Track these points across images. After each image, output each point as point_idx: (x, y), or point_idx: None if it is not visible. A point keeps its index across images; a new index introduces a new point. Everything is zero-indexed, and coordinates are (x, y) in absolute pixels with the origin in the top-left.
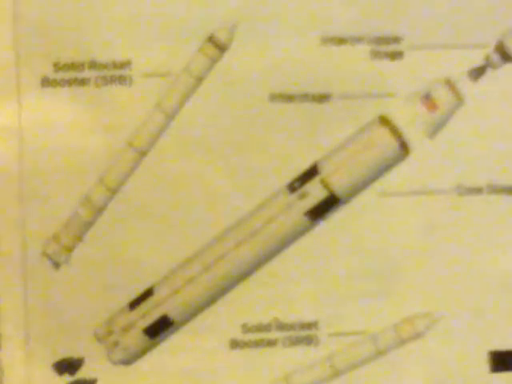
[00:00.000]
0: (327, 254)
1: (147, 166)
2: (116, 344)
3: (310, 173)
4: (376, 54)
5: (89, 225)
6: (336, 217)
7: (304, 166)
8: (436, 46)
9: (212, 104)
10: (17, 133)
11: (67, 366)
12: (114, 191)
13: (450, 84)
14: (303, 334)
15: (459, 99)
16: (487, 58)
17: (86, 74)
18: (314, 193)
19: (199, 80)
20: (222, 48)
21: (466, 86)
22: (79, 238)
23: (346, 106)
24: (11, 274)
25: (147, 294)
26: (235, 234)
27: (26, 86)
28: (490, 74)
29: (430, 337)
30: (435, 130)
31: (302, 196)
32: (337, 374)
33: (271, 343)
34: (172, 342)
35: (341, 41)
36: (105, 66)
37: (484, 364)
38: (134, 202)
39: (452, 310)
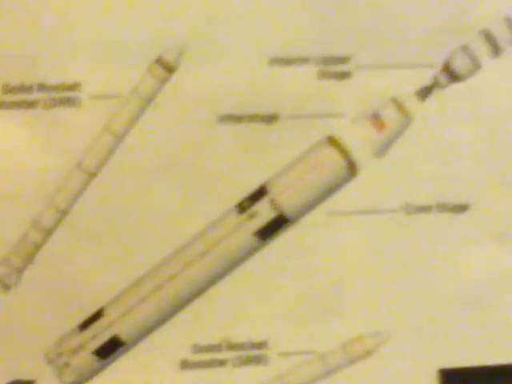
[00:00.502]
0: (277, 273)
1: (96, 188)
2: (67, 366)
3: (259, 193)
4: (324, 75)
5: (39, 246)
6: (285, 236)
7: (253, 186)
8: (383, 65)
9: (161, 125)
10: None
11: None
12: (63, 213)
13: (397, 104)
14: (253, 353)
15: (407, 119)
16: (434, 78)
17: (36, 96)
18: (263, 213)
19: (148, 101)
20: (170, 69)
21: (414, 106)
22: (29, 259)
23: (295, 127)
24: None
25: (97, 315)
26: (185, 255)
27: None
28: (437, 93)
29: (378, 355)
30: (383, 149)
31: (251, 216)
32: None
33: (221, 363)
34: (122, 363)
35: (288, 61)
36: (54, 88)
37: (433, 382)
38: (84, 223)
39: (401, 328)
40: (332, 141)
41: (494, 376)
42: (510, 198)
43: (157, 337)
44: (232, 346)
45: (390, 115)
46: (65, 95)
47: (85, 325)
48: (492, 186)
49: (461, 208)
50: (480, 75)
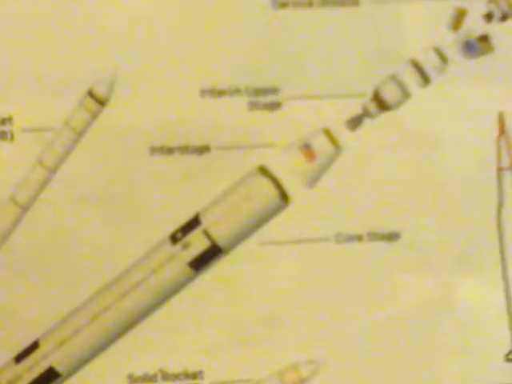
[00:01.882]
0: (210, 303)
1: (30, 221)
2: None
3: (192, 224)
4: (254, 106)
5: None
6: (219, 266)
7: (186, 217)
8: (313, 96)
9: (93, 158)
10: None
11: None
12: None
13: (328, 133)
14: (188, 383)
15: (337, 148)
16: (364, 108)
17: None
18: (197, 243)
19: (80, 134)
20: (101, 102)
21: (344, 136)
22: None
23: (226, 158)
24: None
25: (33, 346)
26: (119, 286)
27: None
28: (367, 123)
29: (313, 383)
30: (314, 179)
31: (185, 247)
32: None
33: None
34: None
35: (219, 93)
36: None
37: None
38: (18, 255)
39: (335, 356)
40: (263, 171)
41: None
42: (439, 226)
43: (92, 367)
44: (167, 376)
45: (321, 145)
46: None
47: (20, 357)
48: (422, 214)
49: (392, 236)
50: (410, 104)
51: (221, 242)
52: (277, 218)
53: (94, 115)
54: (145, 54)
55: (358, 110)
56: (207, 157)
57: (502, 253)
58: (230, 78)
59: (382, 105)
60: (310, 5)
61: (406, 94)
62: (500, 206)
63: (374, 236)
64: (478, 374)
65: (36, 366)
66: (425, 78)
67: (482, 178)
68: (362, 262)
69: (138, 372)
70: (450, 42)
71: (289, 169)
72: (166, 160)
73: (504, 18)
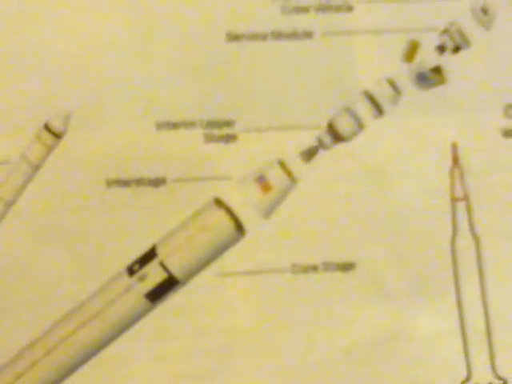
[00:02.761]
0: (166, 334)
1: None
2: None
3: (149, 255)
4: (210, 138)
5: None
6: (175, 297)
7: (142, 249)
8: (269, 128)
9: (50, 190)
10: None
11: None
12: None
13: (283, 165)
14: None
15: (292, 180)
16: (319, 139)
17: None
18: (153, 275)
19: (37, 167)
20: (57, 135)
21: (299, 167)
22: None
23: (182, 189)
24: None
25: None
26: (76, 318)
27: None
28: (322, 154)
29: None
30: (270, 210)
31: (141, 278)
32: None
33: None
34: None
35: (175, 125)
36: None
37: None
38: None
39: None
40: (219, 203)
41: None
42: (393, 256)
43: None
44: None
45: (276, 177)
46: None
47: None
48: (377, 245)
49: (347, 266)
50: (364, 135)
51: (177, 273)
52: (233, 249)
53: (51, 148)
54: (101, 87)
55: (312, 142)
56: (163, 189)
57: (457, 283)
58: (186, 111)
59: (337, 136)
60: (264, 37)
61: (360, 126)
62: (454, 235)
63: (330, 266)
64: None
65: None
66: (378, 110)
67: (436, 208)
68: (317, 292)
69: None
70: (403, 74)
71: (244, 200)
72: (122, 192)
73: (456, 49)
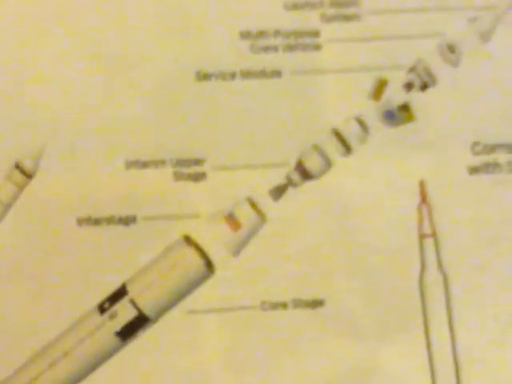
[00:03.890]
0: (137, 371)
1: None
2: None
3: (119, 293)
4: (179, 176)
5: None
6: (146, 335)
7: (113, 287)
8: (238, 166)
9: (21, 230)
10: None
11: None
12: None
13: (252, 203)
14: None
15: (261, 217)
16: (288, 177)
17: None
18: (124, 313)
19: (7, 207)
20: (28, 175)
21: (268, 205)
22: None
23: (152, 227)
24: None
25: None
26: (48, 356)
27: None
28: (291, 192)
29: None
30: (239, 248)
31: (112, 316)
32: None
33: None
34: None
35: (144, 164)
36: None
37: None
38: None
39: None
40: (189, 240)
41: None
42: (362, 293)
43: None
44: None
45: (245, 214)
46: None
47: None
48: (345, 281)
49: (316, 303)
50: (332, 173)
51: (147, 311)
52: (203, 286)
53: (22, 188)
54: (71, 127)
55: (281, 180)
56: (133, 227)
57: (426, 319)
58: (155, 150)
59: (305, 174)
60: (233, 76)
61: (328, 163)
62: (422, 272)
63: (299, 303)
64: None
65: None
66: (347, 147)
67: (405, 245)
68: (287, 329)
69: None
70: (371, 112)
71: (214, 238)
72: (93, 231)
73: (424, 87)
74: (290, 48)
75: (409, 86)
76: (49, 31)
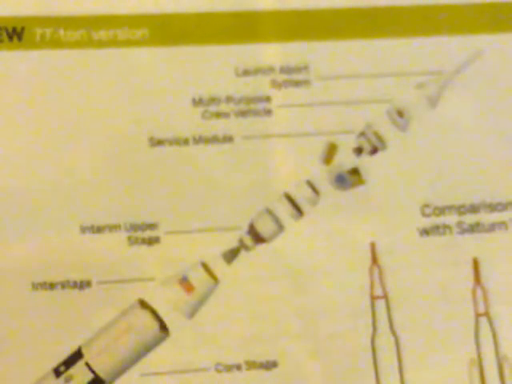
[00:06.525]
0: None
1: None
2: None
3: (75, 357)
4: (133, 241)
5: None
6: None
7: (68, 351)
8: (191, 230)
9: None
10: None
11: None
12: None
13: (205, 266)
14: None
15: (215, 280)
16: (240, 240)
17: None
18: (79, 376)
19: None
20: None
21: (221, 268)
22: None
23: (107, 292)
24: None
25: None
26: None
27: None
28: (243, 255)
29: None
30: (193, 310)
31: (68, 380)
32: None
33: None
34: None
35: (99, 229)
36: None
37: None
38: None
39: None
40: (143, 304)
41: None
42: (315, 354)
43: None
44: None
45: (199, 278)
46: None
47: None
48: (298, 343)
49: (269, 365)
50: (284, 236)
51: (103, 373)
52: (158, 349)
53: None
54: (25, 192)
55: (234, 243)
56: (88, 291)
57: (378, 381)
58: (109, 214)
59: (257, 237)
60: (186, 142)
61: (280, 227)
62: (374, 333)
63: (253, 365)
64: None
65: None
66: (298, 211)
67: (357, 307)
68: None
69: None
70: (322, 176)
71: (168, 301)
72: (47, 295)
73: (374, 151)
74: (242, 114)
75: (359, 150)
76: None
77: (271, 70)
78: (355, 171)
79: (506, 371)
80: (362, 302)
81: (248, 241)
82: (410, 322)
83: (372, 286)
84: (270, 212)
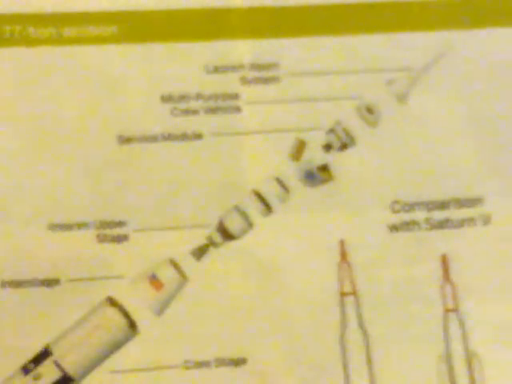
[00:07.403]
0: None
1: None
2: None
3: (43, 355)
4: (102, 238)
5: None
6: None
7: (37, 348)
8: (160, 227)
9: None
10: None
11: None
12: None
13: (174, 264)
14: None
15: (184, 277)
16: (209, 238)
17: None
18: (48, 374)
19: None
20: None
21: (190, 265)
22: None
23: (76, 289)
24: None
25: None
26: None
27: None
28: (212, 252)
29: None
30: (162, 307)
31: (36, 378)
32: None
33: None
34: None
35: (67, 227)
36: None
37: None
38: None
39: None
40: (112, 301)
41: None
42: (284, 351)
43: None
44: None
45: (167, 275)
46: None
47: None
48: (267, 340)
49: (239, 362)
50: (253, 233)
51: (72, 371)
52: (127, 346)
53: None
54: None
55: (203, 240)
56: (57, 289)
57: (346, 377)
58: (78, 212)
59: (226, 234)
60: (155, 139)
61: (249, 224)
62: (343, 329)
63: (222, 362)
64: None
65: None
66: (267, 208)
67: (326, 303)
68: None
69: None
70: (291, 172)
71: (137, 298)
72: (15, 293)
73: (343, 147)
74: (211, 111)
75: (328, 147)
76: None
77: (241, 67)
78: (324, 168)
79: (475, 366)
80: (331, 298)
81: (217, 238)
82: (379, 318)
83: (341, 283)
84: (238, 209)
